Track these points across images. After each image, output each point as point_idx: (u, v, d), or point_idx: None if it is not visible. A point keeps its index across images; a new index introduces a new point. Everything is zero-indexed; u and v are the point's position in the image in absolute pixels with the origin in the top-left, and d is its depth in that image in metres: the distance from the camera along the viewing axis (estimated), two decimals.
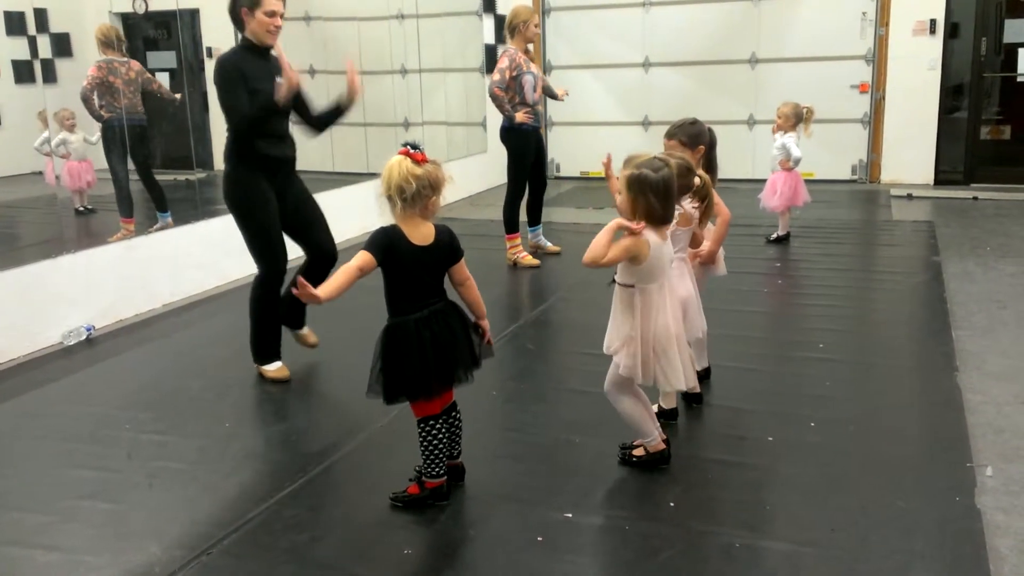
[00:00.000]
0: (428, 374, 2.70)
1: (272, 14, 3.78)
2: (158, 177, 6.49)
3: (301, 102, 3.97)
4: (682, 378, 2.89)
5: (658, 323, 2.83)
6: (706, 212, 3.23)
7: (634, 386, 2.96)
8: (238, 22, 3.85)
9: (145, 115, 6.37)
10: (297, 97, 3.88)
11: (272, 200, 3.93)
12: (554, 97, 6.38)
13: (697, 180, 3.13)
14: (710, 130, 3.55)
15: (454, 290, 2.85)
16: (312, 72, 7.55)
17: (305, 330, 4.36)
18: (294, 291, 2.63)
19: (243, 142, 3.83)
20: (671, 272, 2.98)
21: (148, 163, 6.43)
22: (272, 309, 4.03)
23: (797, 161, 6.23)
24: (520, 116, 5.82)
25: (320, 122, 4.06)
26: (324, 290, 2.71)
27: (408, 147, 2.65)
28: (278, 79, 3.77)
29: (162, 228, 5.95)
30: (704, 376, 3.74)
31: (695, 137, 3.49)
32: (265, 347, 4.07)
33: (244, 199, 3.90)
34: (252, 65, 3.80)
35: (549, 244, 6.39)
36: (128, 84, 6.17)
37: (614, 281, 2.90)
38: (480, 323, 2.86)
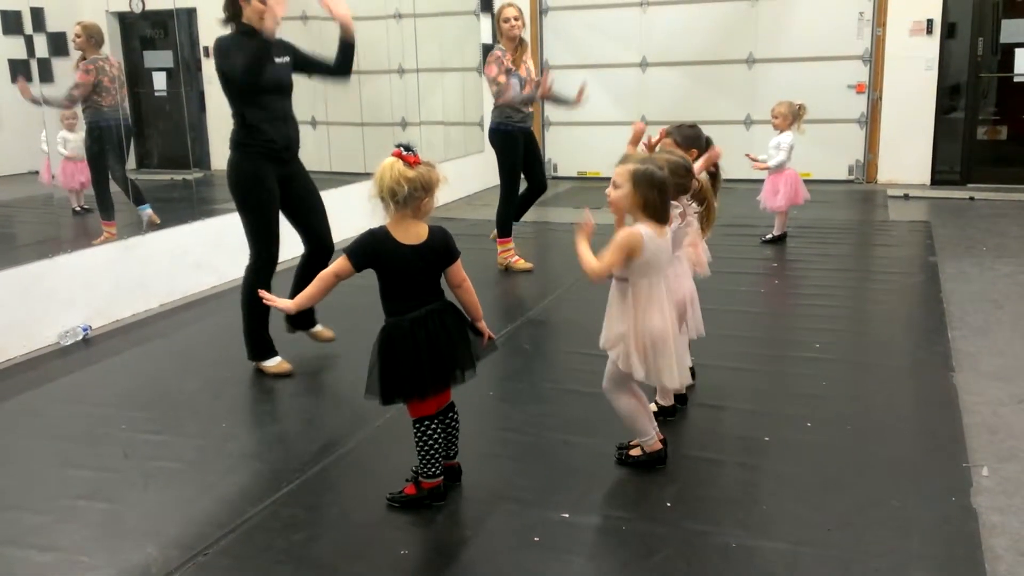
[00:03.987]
0: (423, 374, 2.70)
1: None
2: (155, 176, 6.46)
3: (306, 59, 4.08)
4: (676, 376, 2.90)
5: (651, 319, 2.84)
6: (708, 218, 3.24)
7: (632, 385, 2.97)
8: (236, 11, 3.86)
9: (127, 113, 6.27)
10: (299, 58, 4.01)
11: (273, 187, 4.00)
12: (567, 103, 6.00)
13: (696, 183, 3.14)
14: (708, 139, 3.57)
15: (451, 292, 2.85)
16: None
17: (318, 327, 4.40)
18: (261, 294, 2.68)
19: (246, 128, 3.89)
20: (668, 272, 2.98)
21: (123, 162, 6.31)
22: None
23: (780, 164, 6.27)
24: (507, 96, 5.56)
25: (339, 66, 4.11)
26: (298, 300, 2.78)
27: (401, 148, 2.65)
28: (277, 59, 3.89)
29: (150, 223, 5.87)
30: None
31: (690, 139, 3.53)
32: (259, 342, 4.10)
33: (243, 182, 3.98)
34: (249, 46, 3.80)
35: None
36: (113, 81, 6.09)
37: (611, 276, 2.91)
38: (477, 325, 2.86)
